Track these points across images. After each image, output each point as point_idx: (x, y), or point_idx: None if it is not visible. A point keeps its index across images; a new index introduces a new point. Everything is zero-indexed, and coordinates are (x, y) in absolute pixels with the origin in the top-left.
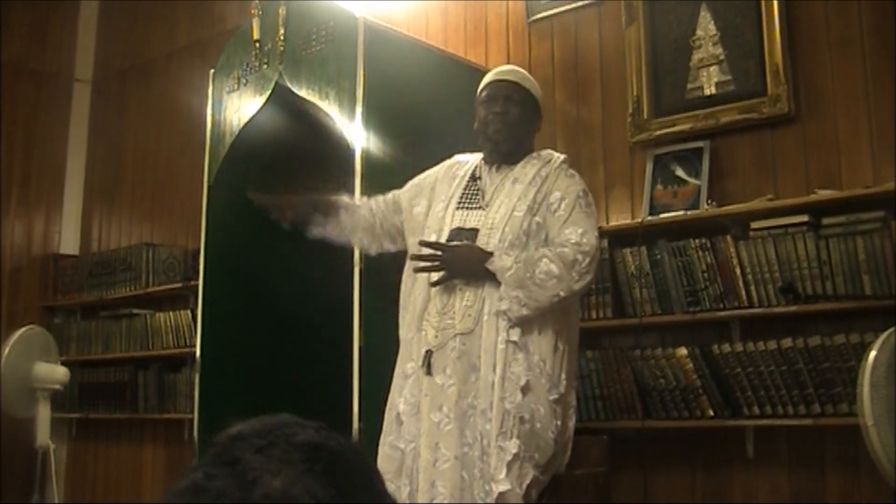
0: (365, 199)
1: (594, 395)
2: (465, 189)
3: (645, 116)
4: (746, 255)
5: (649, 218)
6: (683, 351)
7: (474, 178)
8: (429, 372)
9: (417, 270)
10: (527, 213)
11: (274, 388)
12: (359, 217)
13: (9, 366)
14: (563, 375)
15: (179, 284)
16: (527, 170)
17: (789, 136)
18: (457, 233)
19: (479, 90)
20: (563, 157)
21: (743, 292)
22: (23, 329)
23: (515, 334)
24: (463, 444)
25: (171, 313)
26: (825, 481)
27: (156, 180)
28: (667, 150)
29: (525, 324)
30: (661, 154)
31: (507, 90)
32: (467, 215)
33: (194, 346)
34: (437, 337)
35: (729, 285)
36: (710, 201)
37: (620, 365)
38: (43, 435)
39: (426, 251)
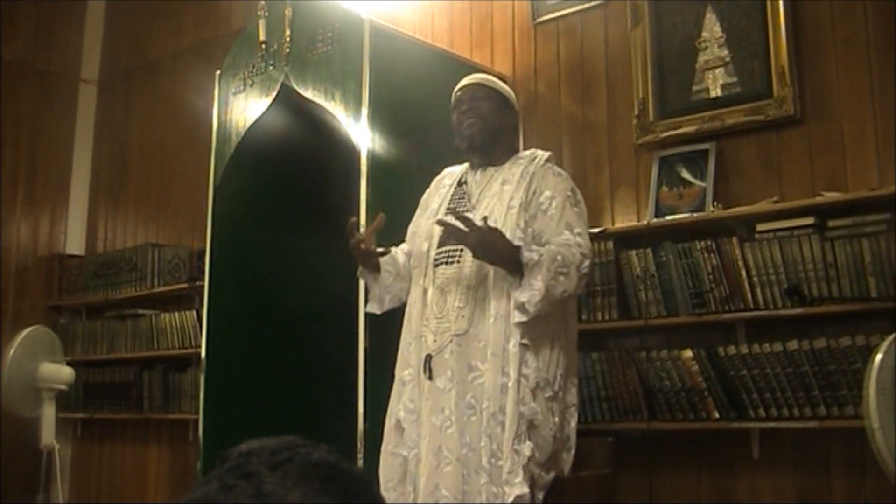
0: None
1: (599, 397)
2: (452, 196)
3: (650, 118)
4: (752, 257)
5: (655, 220)
6: (689, 353)
7: (460, 183)
8: (430, 377)
9: (447, 236)
10: (520, 210)
11: (279, 389)
12: (397, 267)
13: (14, 366)
14: (559, 373)
15: (185, 285)
16: (514, 170)
17: (795, 138)
18: (447, 238)
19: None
20: (548, 154)
21: (748, 294)
22: (28, 329)
23: (526, 337)
24: (462, 444)
25: (176, 314)
26: (830, 484)
27: (161, 181)
28: (672, 152)
29: (532, 322)
30: (666, 156)
31: (472, 91)
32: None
33: (199, 346)
34: (435, 341)
35: (734, 287)
36: (715, 203)
37: (626, 366)
38: (48, 435)
39: (452, 220)
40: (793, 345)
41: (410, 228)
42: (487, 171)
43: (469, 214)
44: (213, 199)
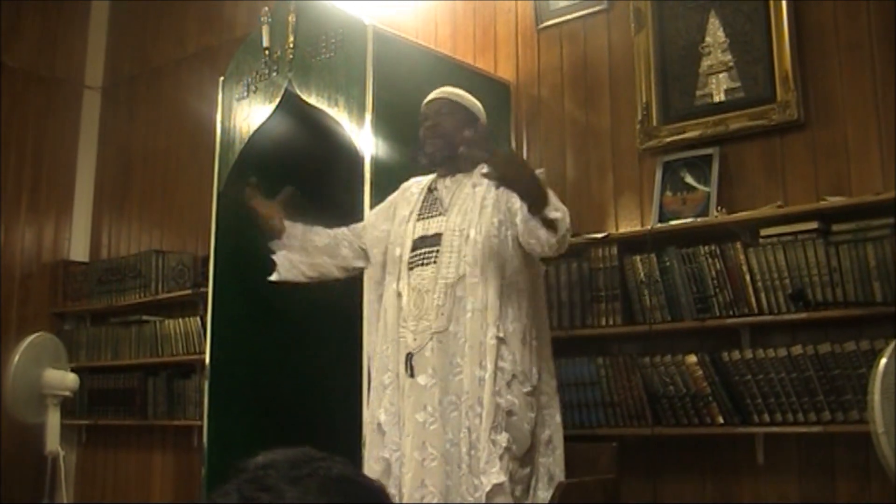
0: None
1: (604, 402)
2: (423, 202)
3: (654, 123)
4: (756, 261)
5: (659, 225)
6: (693, 358)
7: (431, 190)
8: (412, 374)
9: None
10: (494, 208)
11: (283, 395)
12: (316, 240)
13: (19, 372)
14: (534, 369)
15: (189, 291)
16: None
17: (798, 143)
18: (420, 241)
19: None
20: None
21: (753, 299)
22: (33, 335)
23: (502, 330)
24: (446, 440)
25: (180, 320)
26: (835, 489)
27: (165, 187)
28: (676, 157)
29: (506, 317)
30: (670, 161)
31: (436, 106)
32: (428, 224)
33: (204, 352)
34: (415, 340)
35: (738, 292)
36: (719, 208)
37: (630, 372)
38: (52, 441)
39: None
40: (797, 349)
41: (373, 231)
42: (456, 177)
43: (442, 218)
44: (216, 205)
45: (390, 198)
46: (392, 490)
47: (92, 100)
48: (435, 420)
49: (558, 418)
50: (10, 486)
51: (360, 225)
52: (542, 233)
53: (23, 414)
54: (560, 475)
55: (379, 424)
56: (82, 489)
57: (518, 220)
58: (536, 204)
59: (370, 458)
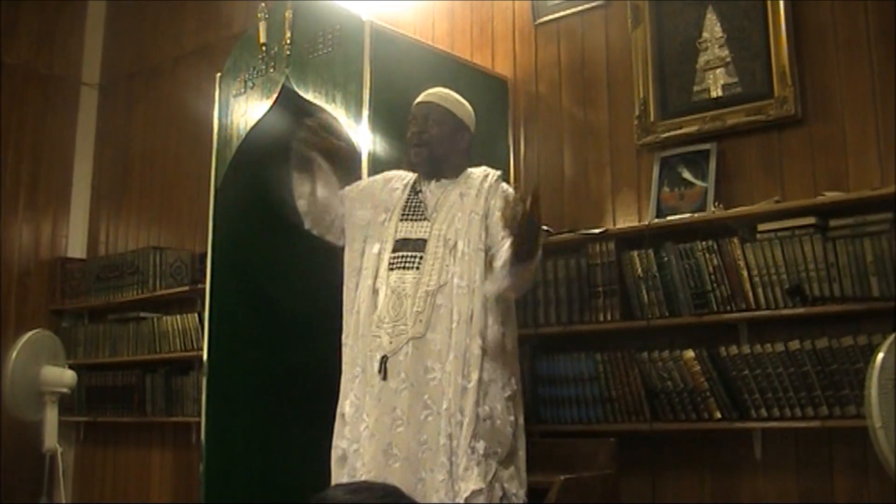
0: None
1: (602, 398)
2: (407, 201)
3: (651, 119)
4: (753, 257)
5: (656, 220)
6: (691, 353)
7: (416, 191)
8: (384, 377)
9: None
10: (482, 219)
11: (281, 392)
12: (325, 192)
13: (17, 369)
14: (510, 375)
15: (187, 288)
16: (470, 183)
17: (796, 138)
18: (402, 243)
19: None
20: (499, 173)
21: (750, 294)
22: (31, 333)
23: (486, 341)
24: (419, 442)
25: (178, 317)
26: (833, 484)
27: (163, 184)
28: (673, 153)
29: (490, 328)
30: (667, 156)
31: (426, 110)
32: (412, 227)
33: (202, 349)
34: (391, 343)
35: (736, 287)
36: (716, 203)
37: (628, 367)
38: (51, 438)
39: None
40: (795, 345)
41: (350, 217)
42: (441, 182)
43: (426, 223)
44: (214, 201)
45: (371, 181)
46: (346, 470)
47: (89, 97)
48: (402, 423)
49: (521, 421)
50: (9, 484)
51: (342, 194)
52: (521, 278)
53: (21, 411)
54: (524, 476)
55: (342, 415)
56: (81, 486)
57: (494, 264)
58: (522, 254)
59: (335, 446)
